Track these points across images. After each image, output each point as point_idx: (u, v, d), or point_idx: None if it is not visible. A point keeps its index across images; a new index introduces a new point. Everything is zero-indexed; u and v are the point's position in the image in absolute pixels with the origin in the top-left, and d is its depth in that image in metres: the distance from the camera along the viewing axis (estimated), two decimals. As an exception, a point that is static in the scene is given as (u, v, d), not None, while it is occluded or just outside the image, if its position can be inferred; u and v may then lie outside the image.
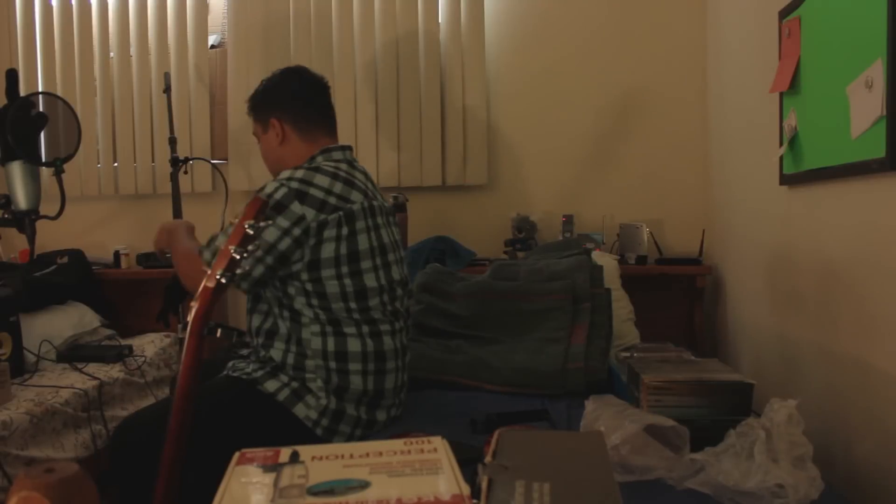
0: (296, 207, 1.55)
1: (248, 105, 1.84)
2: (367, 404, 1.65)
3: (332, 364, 1.61)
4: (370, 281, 1.63)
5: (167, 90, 2.27)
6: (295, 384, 1.62)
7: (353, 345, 1.62)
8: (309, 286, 1.59)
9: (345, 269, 1.59)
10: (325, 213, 1.57)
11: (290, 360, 1.64)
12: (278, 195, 1.55)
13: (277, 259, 1.56)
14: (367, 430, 1.65)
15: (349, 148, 1.79)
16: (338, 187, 1.61)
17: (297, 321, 1.63)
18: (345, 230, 1.59)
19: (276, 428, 1.57)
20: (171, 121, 2.47)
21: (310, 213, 1.56)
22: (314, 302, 1.60)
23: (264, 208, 1.10)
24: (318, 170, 1.62)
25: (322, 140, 1.78)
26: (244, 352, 1.77)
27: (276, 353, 1.66)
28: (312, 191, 1.57)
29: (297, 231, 1.55)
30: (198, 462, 1.18)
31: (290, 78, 1.83)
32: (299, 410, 1.59)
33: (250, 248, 1.08)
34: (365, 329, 1.64)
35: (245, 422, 1.51)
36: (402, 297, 1.75)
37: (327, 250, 1.57)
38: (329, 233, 1.57)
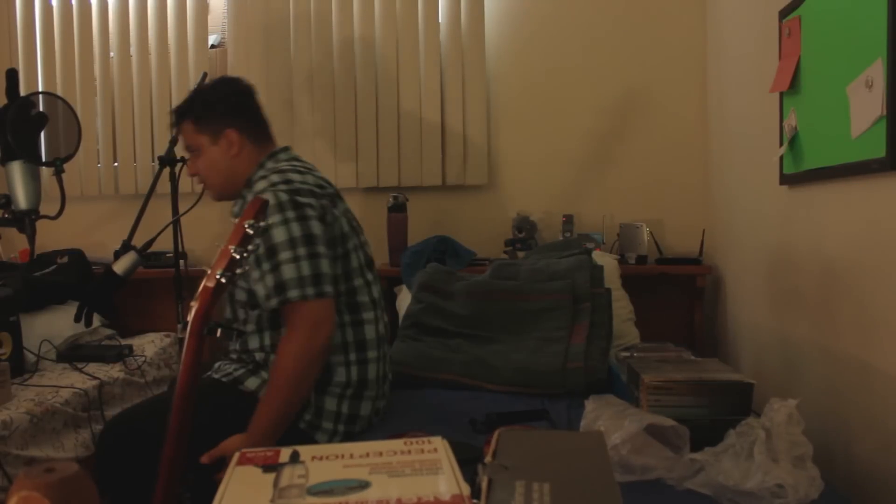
0: (302, 199, 1.57)
1: (190, 116, 1.74)
2: (351, 396, 1.65)
3: None
4: (354, 261, 1.67)
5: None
6: None
7: (335, 336, 1.62)
8: None
9: (339, 250, 1.63)
10: (321, 200, 1.61)
11: (273, 360, 1.63)
12: (283, 197, 1.54)
13: (328, 244, 1.58)
14: (350, 427, 1.65)
15: (289, 148, 1.81)
16: (310, 179, 1.64)
17: (275, 325, 1.64)
18: (329, 216, 1.63)
19: None
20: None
21: (314, 202, 1.59)
22: None
23: (264, 208, 1.10)
24: (284, 171, 1.63)
25: (270, 146, 1.79)
26: (233, 354, 1.77)
27: (258, 354, 1.66)
28: (297, 185, 1.59)
29: (316, 213, 1.58)
30: (190, 463, 1.18)
31: (234, 87, 1.79)
32: None
33: (250, 247, 1.08)
34: (347, 318, 1.65)
35: (229, 422, 1.51)
36: (377, 281, 1.78)
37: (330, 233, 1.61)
38: (328, 217, 1.61)
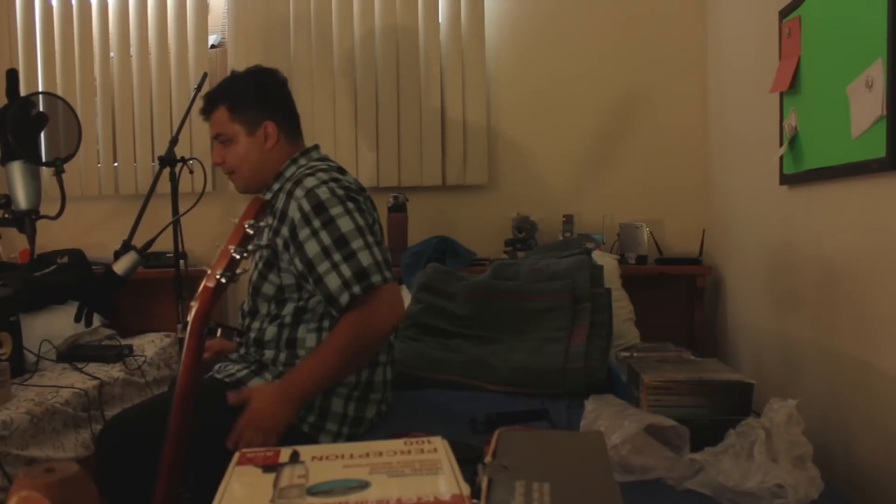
0: (354, 195, 1.60)
1: (225, 103, 1.69)
2: (357, 399, 1.65)
3: None
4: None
5: (198, 89, 2.26)
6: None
7: None
8: None
9: None
10: (366, 202, 1.64)
11: (282, 358, 1.64)
12: (339, 191, 1.56)
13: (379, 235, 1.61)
14: (355, 429, 1.65)
15: (319, 146, 1.82)
16: (351, 179, 1.66)
17: (297, 321, 1.63)
18: (370, 217, 1.65)
19: None
20: (185, 119, 2.46)
21: (362, 199, 1.62)
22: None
23: (265, 208, 1.10)
24: (328, 170, 1.64)
25: (300, 142, 1.78)
26: (233, 355, 1.75)
27: (268, 352, 1.65)
28: (345, 183, 1.61)
29: (366, 209, 1.61)
30: (192, 466, 1.18)
31: (272, 78, 1.76)
32: None
33: (250, 247, 1.08)
34: None
35: (231, 424, 1.49)
36: None
37: None
38: (370, 218, 1.64)
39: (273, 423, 1.45)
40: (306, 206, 1.53)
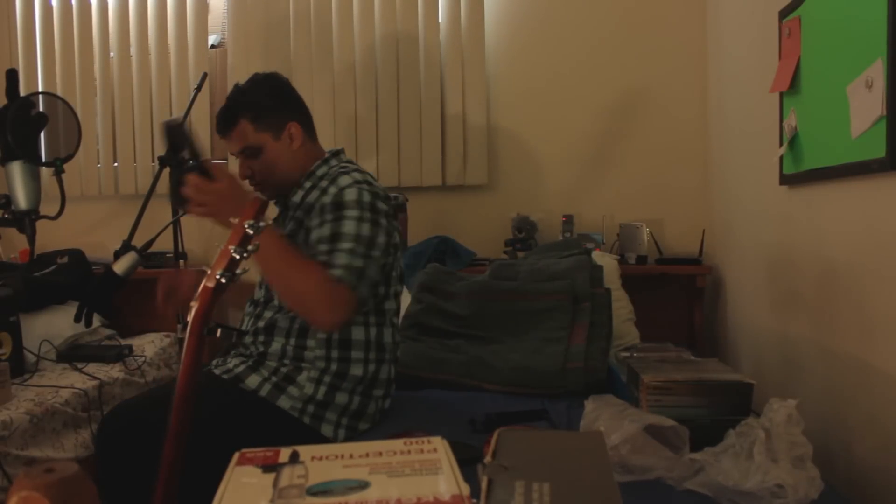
0: (380, 205, 1.62)
1: (247, 115, 1.68)
2: (361, 393, 1.67)
3: (335, 353, 1.64)
4: (395, 271, 1.72)
5: (198, 89, 2.26)
6: (275, 378, 1.62)
7: (357, 333, 1.66)
8: None
9: (391, 259, 1.68)
10: (390, 210, 1.67)
11: (290, 347, 1.65)
12: (366, 197, 1.59)
13: (385, 251, 1.61)
14: (355, 422, 1.66)
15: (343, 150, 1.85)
16: (381, 186, 1.69)
17: None
18: (391, 225, 1.67)
19: (263, 421, 1.57)
20: (185, 119, 2.45)
21: (388, 209, 1.64)
22: None
23: (264, 208, 1.10)
24: (362, 171, 1.69)
25: (316, 140, 1.82)
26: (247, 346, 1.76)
27: (276, 344, 1.66)
28: (376, 189, 1.64)
29: (387, 222, 1.63)
30: (192, 464, 1.17)
31: (280, 80, 1.78)
32: (283, 402, 1.60)
33: (250, 247, 1.08)
34: (373, 319, 1.68)
35: (229, 422, 1.51)
36: (401, 293, 1.81)
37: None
38: (391, 227, 1.66)
39: (226, 209, 1.43)
40: (327, 200, 1.59)
